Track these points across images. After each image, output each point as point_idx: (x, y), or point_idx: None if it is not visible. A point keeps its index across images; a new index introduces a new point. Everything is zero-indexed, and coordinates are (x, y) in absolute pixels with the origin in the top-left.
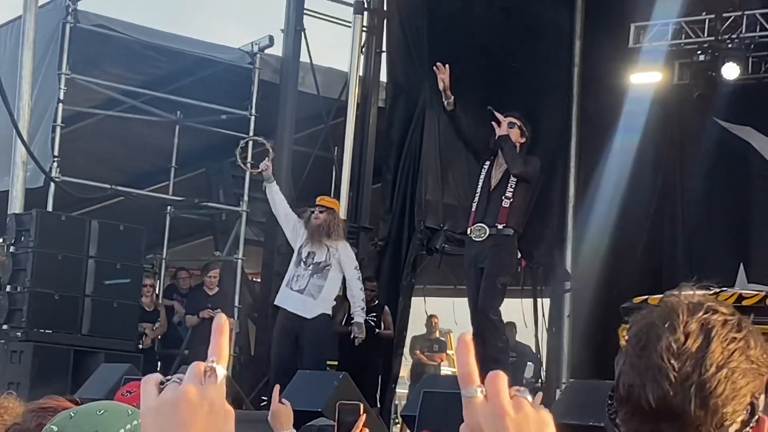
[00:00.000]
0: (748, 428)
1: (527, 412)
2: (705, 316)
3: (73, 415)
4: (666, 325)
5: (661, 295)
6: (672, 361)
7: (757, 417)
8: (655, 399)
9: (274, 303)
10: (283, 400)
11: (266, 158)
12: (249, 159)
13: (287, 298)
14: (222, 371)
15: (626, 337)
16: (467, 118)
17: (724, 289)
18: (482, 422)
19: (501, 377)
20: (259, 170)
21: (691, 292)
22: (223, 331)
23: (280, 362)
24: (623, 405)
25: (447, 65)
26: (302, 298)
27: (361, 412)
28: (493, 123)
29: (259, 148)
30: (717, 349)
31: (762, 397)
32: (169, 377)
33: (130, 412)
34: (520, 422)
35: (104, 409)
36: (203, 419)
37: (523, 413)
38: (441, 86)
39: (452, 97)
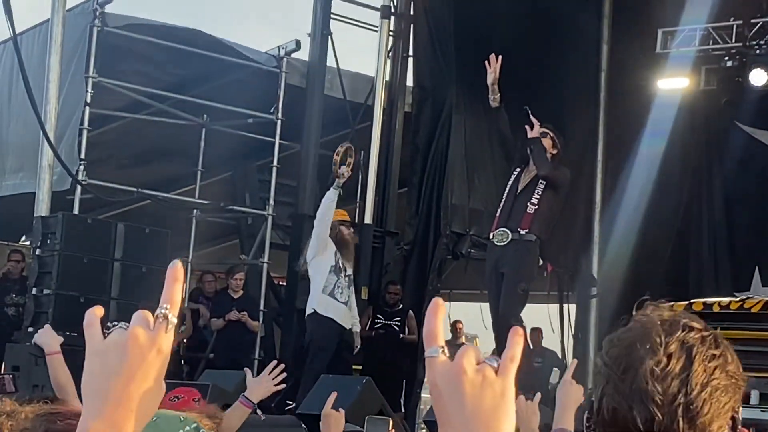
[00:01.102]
0: None
1: (487, 376)
2: (683, 334)
3: None
4: (647, 347)
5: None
6: (657, 385)
7: (738, 430)
8: (642, 422)
9: (321, 312)
10: (340, 409)
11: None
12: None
13: (336, 309)
14: (173, 319)
15: (605, 360)
16: (493, 126)
17: (750, 296)
18: (439, 381)
19: (471, 348)
20: (349, 175)
21: (662, 310)
22: (177, 277)
23: (328, 369)
24: (608, 428)
25: (500, 57)
26: (346, 309)
27: (391, 427)
28: (526, 126)
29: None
30: (699, 369)
31: (740, 410)
32: (115, 322)
33: (182, 418)
34: (476, 383)
35: (156, 416)
36: (150, 363)
37: (481, 376)
38: (490, 80)
39: (499, 93)
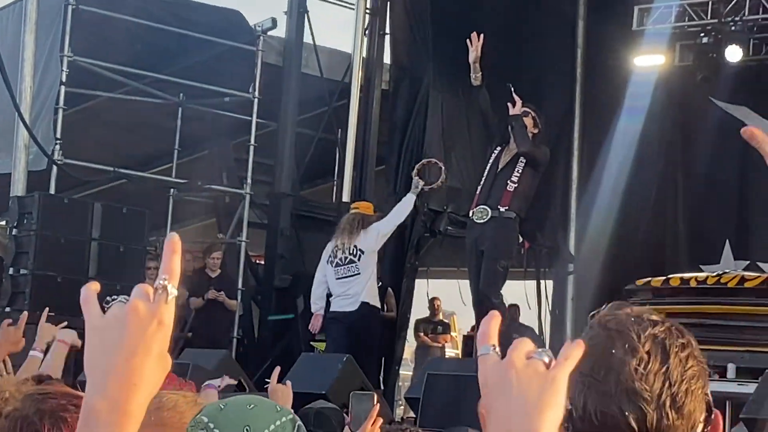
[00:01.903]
0: (708, 425)
1: (536, 369)
2: (652, 330)
3: (223, 407)
4: (626, 347)
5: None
6: (643, 383)
7: (712, 412)
8: (635, 420)
9: (375, 305)
10: (287, 381)
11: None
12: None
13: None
14: (173, 290)
15: (579, 372)
16: (470, 104)
17: (727, 271)
18: (489, 378)
19: (524, 342)
20: (432, 187)
21: (618, 310)
22: (175, 249)
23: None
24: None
25: (482, 35)
26: None
27: (376, 401)
28: (508, 104)
29: (263, 130)
30: (675, 361)
31: (709, 391)
32: (114, 297)
33: (278, 409)
34: (522, 376)
35: (254, 403)
36: (151, 336)
37: (531, 369)
38: (471, 58)
39: (481, 72)
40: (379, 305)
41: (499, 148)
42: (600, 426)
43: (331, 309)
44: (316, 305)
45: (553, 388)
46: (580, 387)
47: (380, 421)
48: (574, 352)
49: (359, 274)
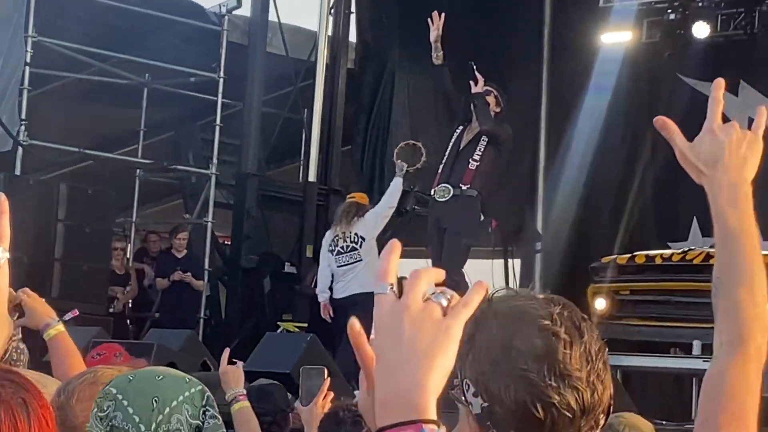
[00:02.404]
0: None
1: (431, 314)
2: (561, 311)
3: (131, 379)
4: (547, 334)
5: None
6: (572, 365)
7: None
8: (575, 402)
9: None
10: (237, 362)
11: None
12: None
13: None
14: (5, 254)
15: (496, 359)
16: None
17: (692, 248)
18: (383, 318)
19: (420, 279)
20: (417, 167)
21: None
22: (3, 210)
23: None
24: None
25: (443, 14)
26: None
27: (326, 376)
28: (470, 82)
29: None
30: (589, 338)
31: None
32: None
33: (188, 380)
34: (415, 321)
35: (163, 375)
36: None
37: (425, 314)
38: (432, 37)
39: (442, 50)
40: None
41: (461, 127)
42: (535, 417)
43: (335, 296)
44: (323, 295)
45: (447, 338)
46: (505, 381)
47: (331, 395)
48: (475, 297)
49: (362, 260)
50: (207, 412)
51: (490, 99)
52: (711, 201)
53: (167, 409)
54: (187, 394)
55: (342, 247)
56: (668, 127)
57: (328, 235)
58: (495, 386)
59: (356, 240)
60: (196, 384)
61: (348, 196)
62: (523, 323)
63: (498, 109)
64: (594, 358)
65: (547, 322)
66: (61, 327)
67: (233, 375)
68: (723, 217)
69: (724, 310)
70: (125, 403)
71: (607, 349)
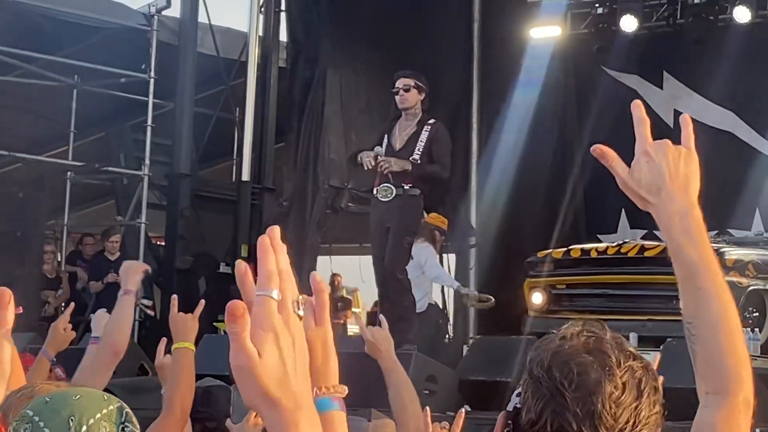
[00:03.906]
0: None
1: (291, 323)
2: (631, 363)
3: (48, 400)
4: (605, 370)
5: (563, 249)
6: (612, 410)
7: None
8: None
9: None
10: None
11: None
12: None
13: None
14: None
15: (548, 372)
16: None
17: (627, 240)
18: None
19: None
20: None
21: (593, 325)
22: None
23: None
24: None
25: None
26: None
27: None
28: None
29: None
30: (646, 402)
31: None
32: None
33: (105, 398)
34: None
35: (80, 394)
36: None
37: (289, 322)
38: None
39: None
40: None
41: (393, 123)
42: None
43: None
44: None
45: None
46: (541, 391)
47: None
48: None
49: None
50: (125, 428)
51: (412, 94)
52: (664, 234)
53: (84, 428)
54: (104, 411)
55: None
56: (607, 155)
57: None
58: (530, 390)
59: None
60: (114, 401)
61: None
62: (594, 354)
63: (422, 96)
64: (638, 423)
65: (613, 362)
66: None
67: (182, 321)
68: (680, 252)
69: (704, 358)
70: (41, 424)
71: (658, 428)
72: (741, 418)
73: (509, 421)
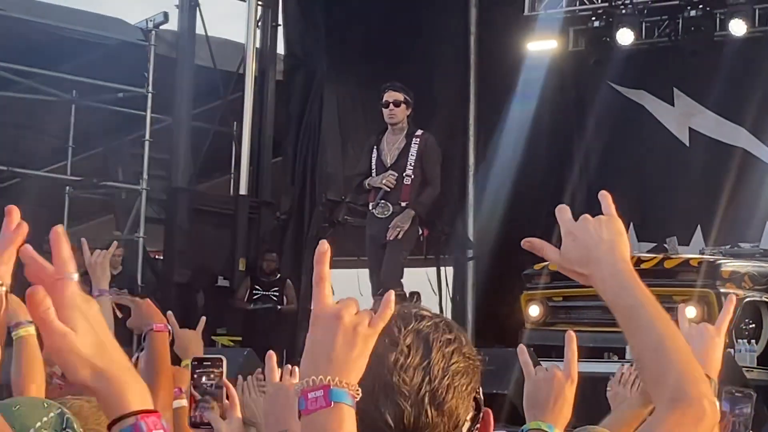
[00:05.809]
0: (477, 423)
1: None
2: (416, 324)
3: None
4: (386, 342)
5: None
6: (402, 377)
7: (482, 411)
8: (392, 417)
9: None
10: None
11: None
12: None
13: None
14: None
15: None
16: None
17: None
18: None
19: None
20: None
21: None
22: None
23: None
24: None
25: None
26: None
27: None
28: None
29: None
30: (438, 355)
31: (481, 390)
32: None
33: (45, 405)
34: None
35: (19, 404)
36: None
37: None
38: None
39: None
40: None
41: (380, 136)
42: (360, 425)
43: None
44: None
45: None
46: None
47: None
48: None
49: None
50: None
51: (400, 110)
52: (601, 295)
53: None
54: (45, 419)
55: None
56: (536, 246)
57: None
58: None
59: None
60: (54, 408)
61: None
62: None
63: (409, 111)
64: (435, 379)
65: (394, 331)
66: (32, 329)
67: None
68: (618, 304)
69: (651, 380)
70: None
71: (471, 381)
72: (690, 428)
73: None
